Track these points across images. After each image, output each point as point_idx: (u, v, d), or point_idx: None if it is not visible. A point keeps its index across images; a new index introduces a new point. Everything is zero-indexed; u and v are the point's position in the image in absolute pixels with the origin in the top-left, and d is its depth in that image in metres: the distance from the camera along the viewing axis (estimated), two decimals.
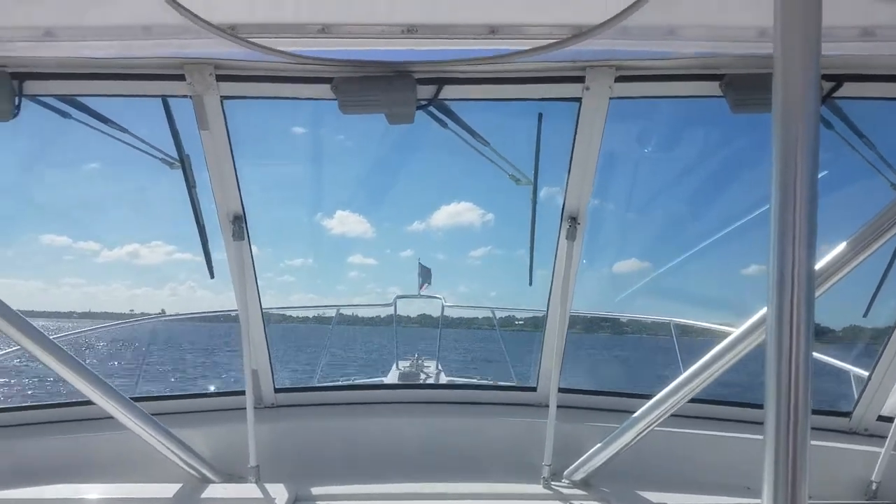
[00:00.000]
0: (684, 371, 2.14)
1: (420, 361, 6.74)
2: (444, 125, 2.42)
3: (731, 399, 3.07)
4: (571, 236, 2.52)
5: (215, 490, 2.32)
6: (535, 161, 2.63)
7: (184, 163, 2.53)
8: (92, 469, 2.45)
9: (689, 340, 5.30)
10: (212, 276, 2.79)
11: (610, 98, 2.25)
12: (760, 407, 3.00)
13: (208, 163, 2.35)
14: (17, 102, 2.10)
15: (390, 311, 7.09)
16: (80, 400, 2.70)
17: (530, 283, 3.02)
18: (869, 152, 2.41)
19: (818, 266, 1.59)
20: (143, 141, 2.52)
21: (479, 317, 7.43)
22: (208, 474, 2.42)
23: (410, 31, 1.85)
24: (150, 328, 6.11)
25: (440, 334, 7.01)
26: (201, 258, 2.72)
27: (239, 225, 2.47)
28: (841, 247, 1.71)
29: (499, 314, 7.72)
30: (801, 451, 1.02)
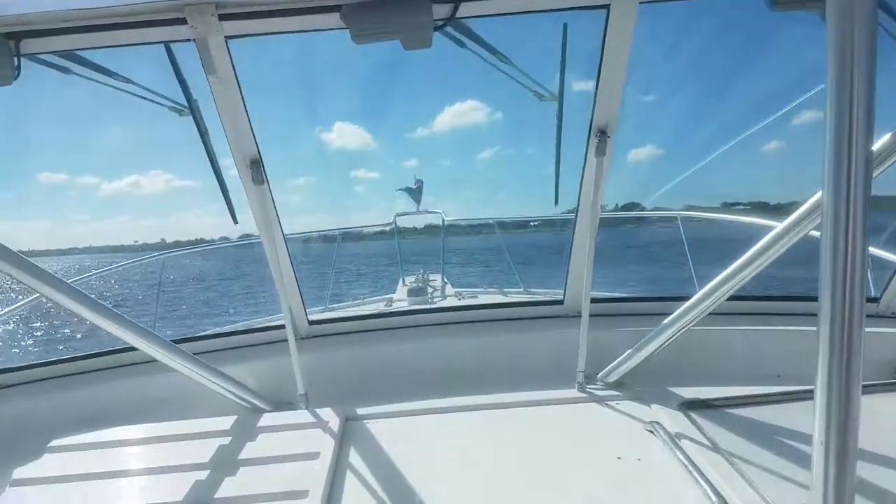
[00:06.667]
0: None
1: (425, 276, 7.05)
2: (462, 45, 2.29)
3: (755, 294, 3.13)
4: (601, 151, 2.44)
5: (270, 418, 2.41)
6: (561, 76, 2.51)
7: (193, 110, 2.45)
8: (145, 412, 2.55)
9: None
10: (235, 223, 2.80)
11: (640, 2, 2.10)
12: (787, 299, 3.02)
13: (219, 108, 2.25)
14: (16, 63, 2.00)
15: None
16: (119, 347, 2.79)
17: (556, 203, 2.99)
18: None
19: (874, 148, 1.47)
20: (149, 90, 2.42)
21: (490, 222, 7.63)
22: (260, 404, 2.54)
23: None
24: (163, 263, 6.00)
25: (443, 248, 7.41)
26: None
27: (257, 169, 2.42)
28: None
29: (506, 221, 7.83)
30: (857, 335, 1.06)
